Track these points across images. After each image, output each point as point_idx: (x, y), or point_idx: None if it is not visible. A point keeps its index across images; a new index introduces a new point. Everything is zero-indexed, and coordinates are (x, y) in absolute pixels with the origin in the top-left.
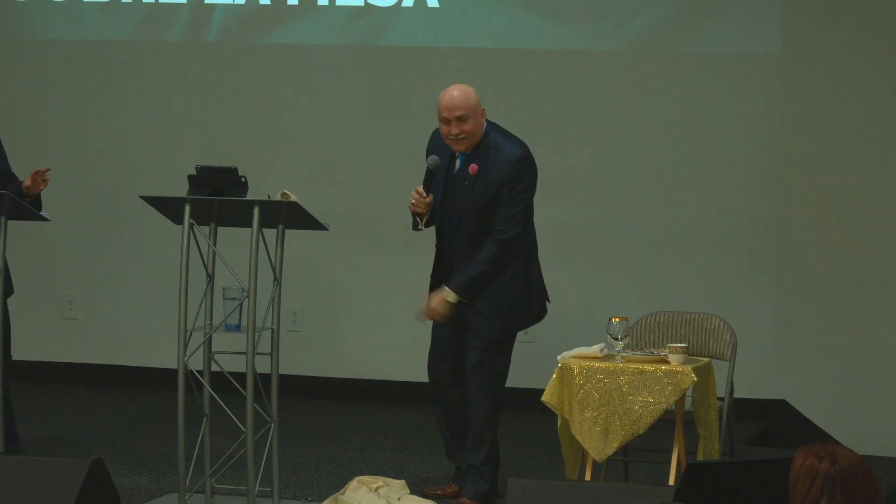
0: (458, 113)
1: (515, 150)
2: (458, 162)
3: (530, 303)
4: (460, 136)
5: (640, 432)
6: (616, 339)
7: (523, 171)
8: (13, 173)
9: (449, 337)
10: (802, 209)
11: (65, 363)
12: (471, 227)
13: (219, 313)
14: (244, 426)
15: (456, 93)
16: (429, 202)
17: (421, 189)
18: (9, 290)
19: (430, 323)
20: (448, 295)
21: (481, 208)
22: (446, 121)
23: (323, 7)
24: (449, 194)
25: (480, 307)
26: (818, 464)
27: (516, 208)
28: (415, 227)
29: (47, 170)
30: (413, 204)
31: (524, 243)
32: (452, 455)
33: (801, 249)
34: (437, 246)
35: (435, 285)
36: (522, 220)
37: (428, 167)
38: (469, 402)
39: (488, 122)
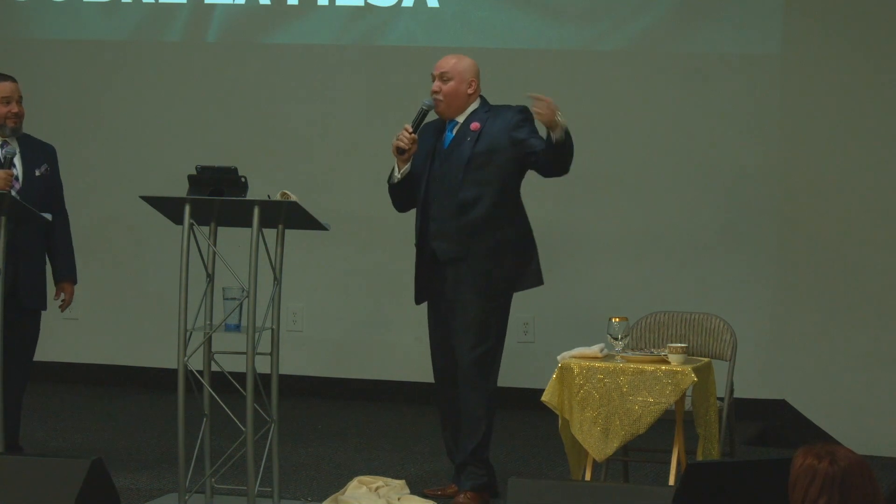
0: (443, 69)
1: (514, 106)
2: (446, 135)
3: (529, 263)
4: (437, 96)
5: (640, 432)
6: (616, 339)
7: (526, 118)
8: (64, 208)
9: (448, 334)
10: (802, 209)
11: (65, 363)
12: (475, 183)
13: (219, 313)
14: (244, 426)
15: (452, 57)
16: (414, 140)
17: (409, 126)
18: (42, 305)
19: (431, 323)
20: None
21: (487, 158)
22: (433, 77)
23: (323, 7)
24: (438, 161)
25: (482, 261)
26: (817, 463)
27: (536, 136)
28: (390, 179)
29: (63, 308)
30: (398, 139)
31: (522, 217)
32: (454, 455)
33: (801, 249)
34: (420, 215)
35: (420, 253)
36: None
37: (421, 107)
38: (463, 397)
39: (486, 101)
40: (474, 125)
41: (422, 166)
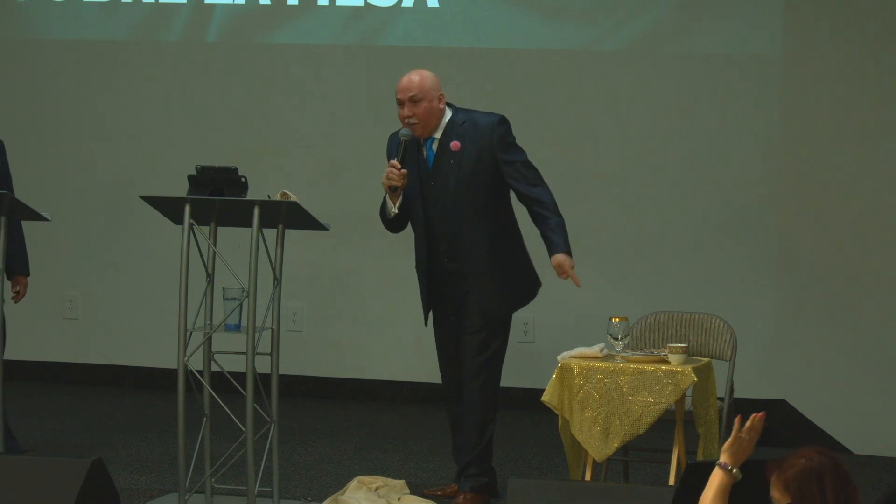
0: (411, 94)
1: (491, 116)
2: (426, 151)
3: (528, 282)
4: (412, 120)
5: (640, 432)
6: (616, 339)
7: (507, 131)
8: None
9: (456, 345)
10: (802, 209)
11: (65, 363)
12: (465, 204)
13: (219, 313)
14: (244, 426)
15: (413, 76)
16: (404, 175)
17: (396, 161)
18: None
19: (431, 323)
20: (566, 257)
21: (475, 179)
22: (400, 102)
23: (323, 7)
24: (428, 182)
25: (486, 277)
26: (814, 464)
27: (524, 167)
28: (386, 214)
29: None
30: (388, 177)
31: (514, 225)
32: (458, 457)
33: (801, 249)
34: (422, 238)
35: (429, 279)
36: (536, 172)
37: (401, 139)
38: (468, 402)
39: (455, 107)
40: (454, 144)
41: (412, 190)
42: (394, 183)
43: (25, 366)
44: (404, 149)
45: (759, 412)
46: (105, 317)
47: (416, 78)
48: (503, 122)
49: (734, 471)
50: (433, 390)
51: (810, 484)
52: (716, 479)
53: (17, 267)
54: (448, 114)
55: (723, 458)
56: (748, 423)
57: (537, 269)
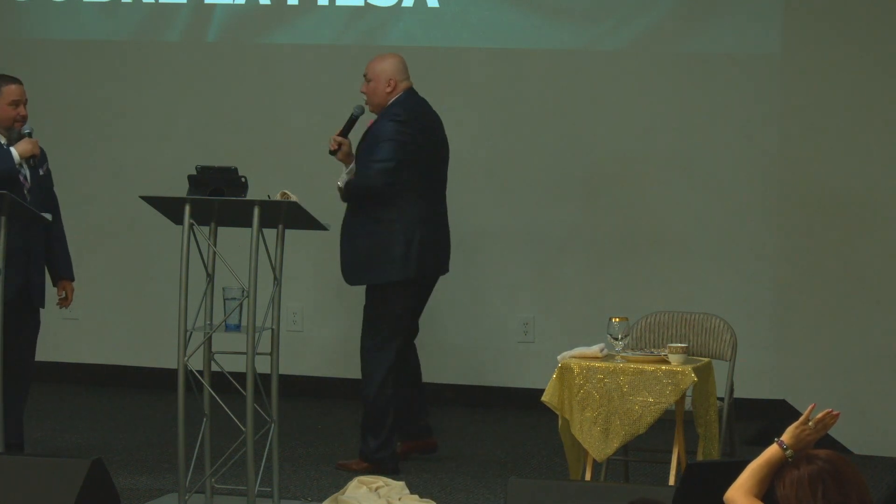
0: (365, 71)
1: (393, 115)
2: None
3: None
4: (363, 95)
5: (641, 432)
6: (616, 339)
7: (388, 126)
8: (59, 207)
9: None
10: (802, 209)
11: (65, 363)
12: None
13: (219, 313)
14: (244, 426)
15: (377, 56)
16: (336, 141)
17: (340, 129)
18: (43, 303)
19: (435, 323)
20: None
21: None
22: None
23: (323, 7)
24: None
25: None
26: (796, 474)
27: (374, 158)
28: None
29: (62, 306)
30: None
31: (397, 208)
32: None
33: (801, 250)
34: None
35: None
36: (380, 169)
37: (352, 113)
38: None
39: (411, 95)
40: (370, 121)
41: None
42: (329, 147)
43: None
44: (352, 122)
45: (834, 411)
46: (105, 317)
47: (375, 60)
48: (393, 115)
49: (788, 451)
50: (432, 390)
51: (790, 500)
52: (768, 452)
53: (62, 271)
54: (393, 100)
55: (784, 436)
56: (819, 416)
57: (545, 270)
